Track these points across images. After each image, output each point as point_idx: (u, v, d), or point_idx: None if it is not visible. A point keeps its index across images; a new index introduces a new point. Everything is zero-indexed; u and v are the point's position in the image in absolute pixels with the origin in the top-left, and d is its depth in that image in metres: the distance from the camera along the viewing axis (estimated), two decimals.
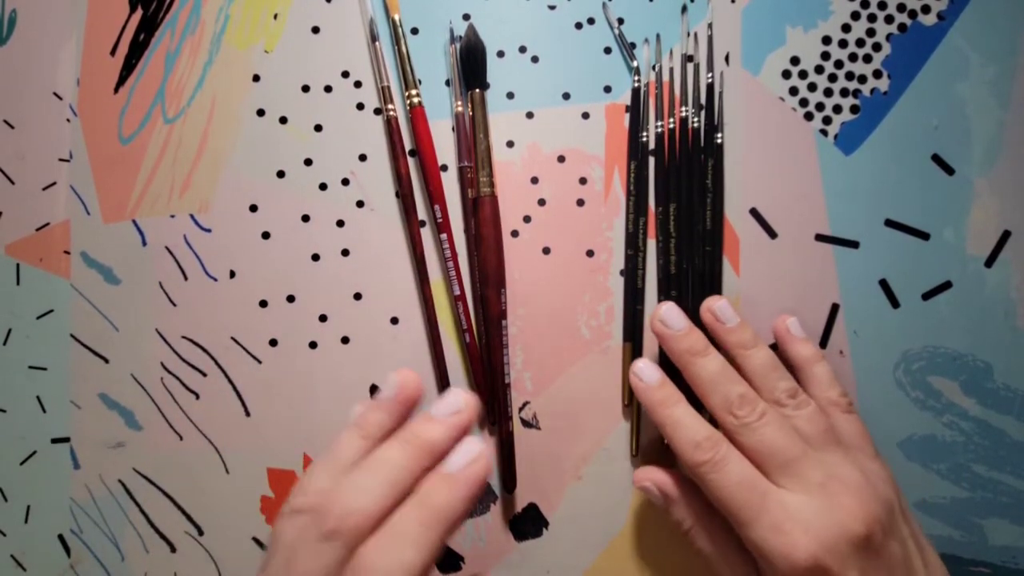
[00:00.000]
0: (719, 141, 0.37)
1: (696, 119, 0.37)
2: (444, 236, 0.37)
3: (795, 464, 0.30)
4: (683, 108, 0.37)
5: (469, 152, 0.37)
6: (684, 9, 0.37)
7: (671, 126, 0.37)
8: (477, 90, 0.37)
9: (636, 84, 0.37)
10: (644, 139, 0.37)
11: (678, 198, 0.37)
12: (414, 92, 0.37)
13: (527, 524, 0.37)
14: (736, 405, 0.32)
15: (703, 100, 0.37)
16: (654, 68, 0.37)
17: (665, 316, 0.34)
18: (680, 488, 0.34)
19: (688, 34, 0.37)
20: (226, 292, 0.38)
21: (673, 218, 0.37)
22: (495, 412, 0.37)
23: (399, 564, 0.26)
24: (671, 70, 0.37)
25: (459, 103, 0.37)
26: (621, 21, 0.38)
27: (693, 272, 0.37)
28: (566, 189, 0.38)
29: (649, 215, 0.37)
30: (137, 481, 0.38)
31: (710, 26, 0.37)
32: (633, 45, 0.38)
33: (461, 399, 0.30)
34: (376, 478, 0.27)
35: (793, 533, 0.29)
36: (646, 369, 0.34)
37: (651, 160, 0.37)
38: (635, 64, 0.37)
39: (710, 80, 0.37)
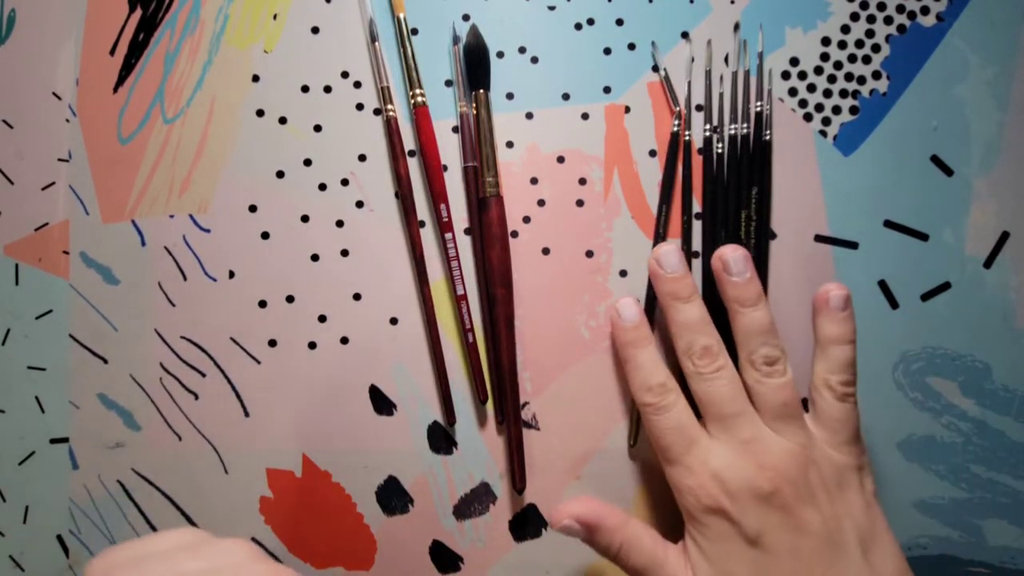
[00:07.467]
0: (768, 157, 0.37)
1: (745, 128, 0.37)
2: (448, 236, 0.37)
3: (730, 419, 0.32)
4: (731, 126, 0.37)
5: (474, 152, 0.37)
6: (737, 27, 0.37)
7: (718, 150, 0.37)
8: (481, 90, 0.37)
9: (676, 129, 0.37)
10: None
11: (724, 226, 0.37)
12: (419, 91, 0.37)
13: (526, 524, 0.37)
14: (697, 355, 0.33)
15: (751, 126, 0.37)
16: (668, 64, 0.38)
17: (662, 257, 0.34)
18: (599, 513, 0.33)
19: (742, 52, 0.37)
20: (225, 292, 0.38)
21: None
22: (504, 412, 0.37)
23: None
24: (720, 94, 0.37)
25: (463, 103, 0.37)
26: (666, 73, 0.38)
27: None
28: (565, 190, 0.38)
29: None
30: (136, 481, 0.38)
31: (760, 54, 0.37)
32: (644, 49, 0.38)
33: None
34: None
35: (702, 475, 0.32)
36: (626, 309, 0.35)
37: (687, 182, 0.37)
38: (678, 108, 0.37)
39: (759, 108, 0.37)
